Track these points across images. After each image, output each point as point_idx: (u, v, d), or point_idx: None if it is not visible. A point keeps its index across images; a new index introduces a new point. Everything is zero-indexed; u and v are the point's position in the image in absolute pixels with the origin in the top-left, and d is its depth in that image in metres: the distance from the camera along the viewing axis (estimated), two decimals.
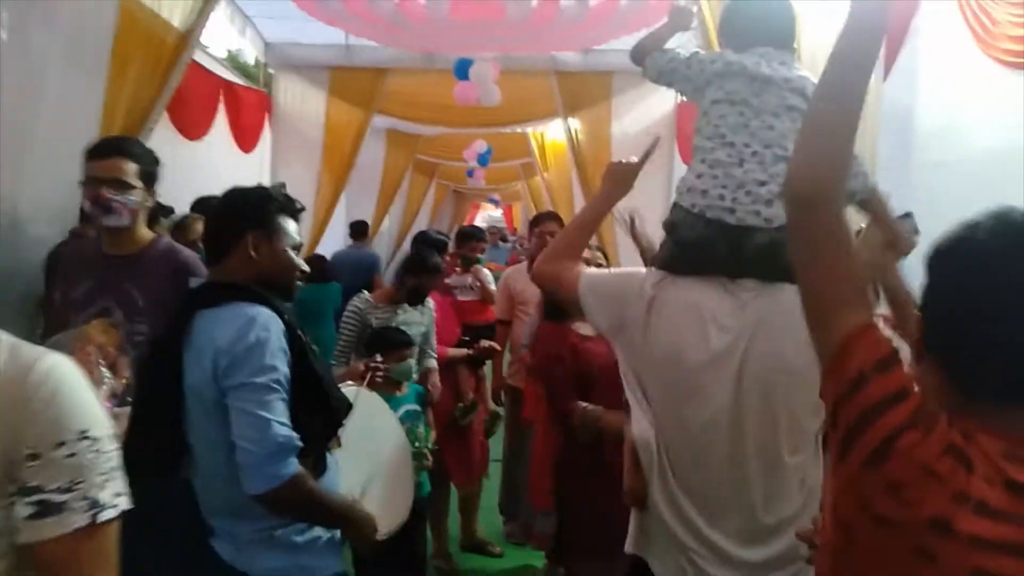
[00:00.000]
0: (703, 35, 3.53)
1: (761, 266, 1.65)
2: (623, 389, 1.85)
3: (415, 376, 2.92)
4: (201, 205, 3.62)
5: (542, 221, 4.07)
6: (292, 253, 1.73)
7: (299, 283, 1.80)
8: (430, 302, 3.35)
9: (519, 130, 9.07)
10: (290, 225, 1.75)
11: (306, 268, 1.78)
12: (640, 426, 1.74)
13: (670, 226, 1.77)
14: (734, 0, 1.94)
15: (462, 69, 5.44)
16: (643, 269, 1.90)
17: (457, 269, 4.33)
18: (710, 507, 1.66)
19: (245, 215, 1.71)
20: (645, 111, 6.69)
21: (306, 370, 1.62)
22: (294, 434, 1.56)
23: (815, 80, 1.63)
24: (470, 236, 4.60)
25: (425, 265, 3.29)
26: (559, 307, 2.63)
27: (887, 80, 3.29)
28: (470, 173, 12.12)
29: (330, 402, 1.68)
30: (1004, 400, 0.90)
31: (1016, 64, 2.82)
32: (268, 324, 1.58)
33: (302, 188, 6.34)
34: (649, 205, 6.65)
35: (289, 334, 1.62)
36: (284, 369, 1.57)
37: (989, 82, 3.00)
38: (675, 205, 1.78)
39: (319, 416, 1.66)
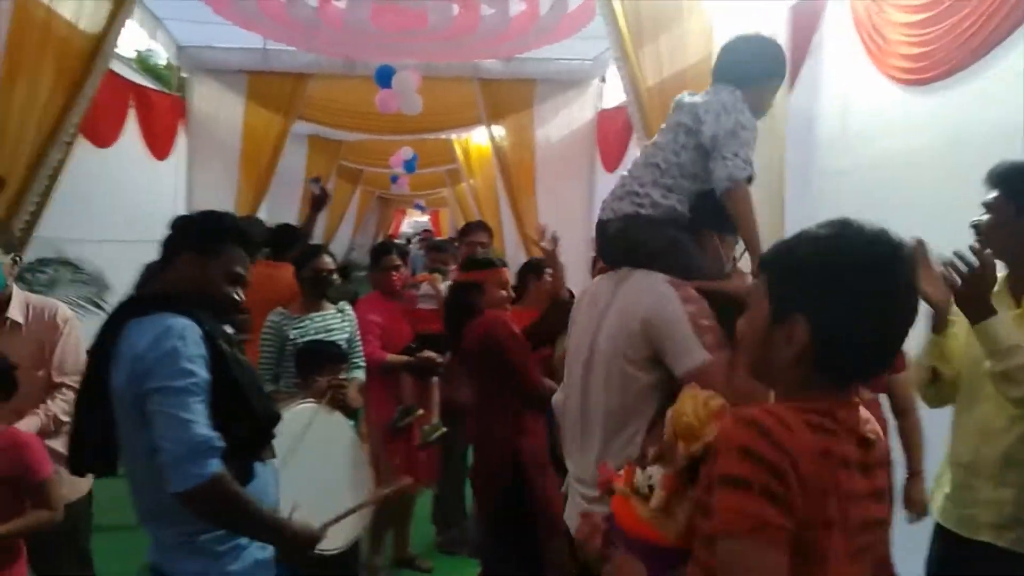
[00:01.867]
0: (615, 35, 3.61)
1: (614, 250, 2.04)
2: None
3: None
4: None
5: (472, 231, 4.11)
6: (224, 281, 1.77)
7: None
8: (347, 307, 3.27)
9: (443, 137, 9.06)
10: (234, 254, 1.79)
11: (238, 299, 1.80)
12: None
13: None
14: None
15: (384, 77, 5.40)
16: None
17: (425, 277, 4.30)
18: (570, 450, 2.03)
19: (186, 234, 1.79)
20: (567, 118, 6.81)
21: (225, 377, 1.64)
22: (215, 434, 1.58)
23: (704, 99, 1.99)
24: (439, 248, 4.68)
25: (308, 254, 3.17)
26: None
27: (792, 91, 3.45)
28: (394, 179, 12.04)
29: (255, 410, 1.69)
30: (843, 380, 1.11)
31: (905, 80, 3.01)
32: (184, 332, 1.61)
33: (220, 196, 6.18)
34: (571, 211, 6.86)
35: (209, 343, 1.64)
36: (203, 374, 1.60)
37: (881, 95, 3.18)
38: None
39: (242, 423, 1.67)
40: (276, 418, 1.78)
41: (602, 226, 2.05)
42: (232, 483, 1.59)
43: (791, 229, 3.74)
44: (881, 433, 1.15)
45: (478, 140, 8.79)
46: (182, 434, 1.54)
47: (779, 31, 3.41)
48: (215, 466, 1.55)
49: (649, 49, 3.59)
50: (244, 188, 6.44)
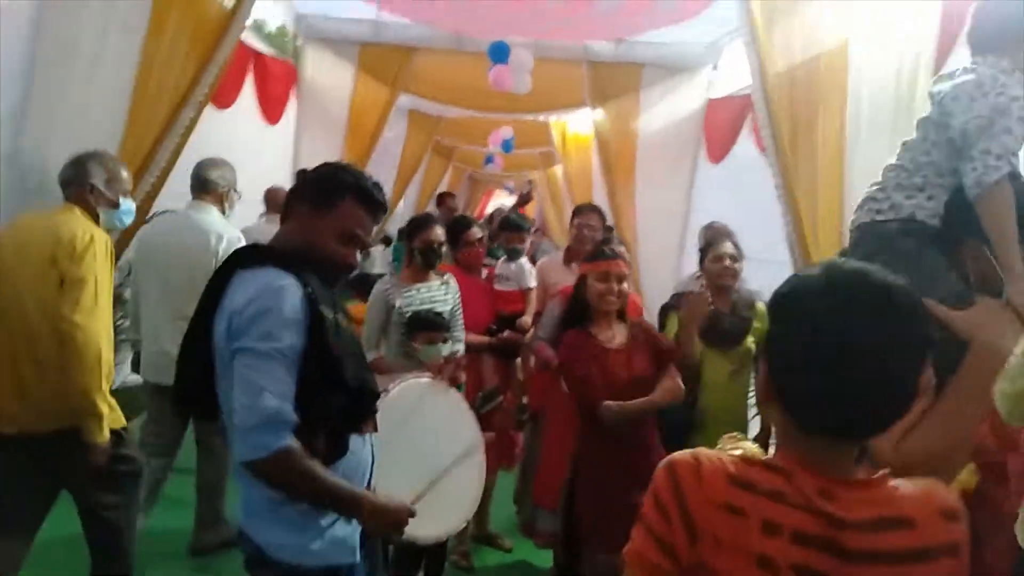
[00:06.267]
0: (744, 13, 3.45)
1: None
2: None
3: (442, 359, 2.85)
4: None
5: (583, 212, 4.01)
6: (335, 239, 1.67)
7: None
8: (452, 279, 3.26)
9: (543, 118, 8.99)
10: (351, 212, 1.68)
11: (355, 263, 1.72)
12: None
13: None
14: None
15: (498, 52, 5.36)
16: None
17: (501, 259, 4.20)
18: None
19: (303, 187, 1.70)
20: (674, 105, 6.62)
21: (322, 346, 1.57)
22: (287, 407, 1.52)
23: (954, 85, 1.72)
24: (515, 226, 4.32)
25: (419, 224, 3.15)
26: (579, 313, 2.63)
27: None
28: (489, 159, 12.03)
29: (347, 382, 1.60)
30: (827, 436, 1.02)
31: None
32: (282, 292, 1.54)
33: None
34: (671, 201, 6.68)
35: (310, 306, 1.57)
36: (293, 340, 1.53)
37: None
38: None
39: (337, 396, 1.59)
40: (373, 392, 1.70)
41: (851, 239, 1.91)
42: (301, 459, 1.52)
43: None
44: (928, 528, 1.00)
45: (576, 125, 8.69)
46: (254, 401, 1.49)
47: (927, 20, 3.19)
48: (283, 439, 1.50)
49: (781, 30, 3.42)
50: (348, 157, 6.55)
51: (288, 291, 1.54)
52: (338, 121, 6.52)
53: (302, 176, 1.73)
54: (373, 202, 1.71)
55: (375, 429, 1.73)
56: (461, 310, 3.24)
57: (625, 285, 2.64)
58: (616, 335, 2.64)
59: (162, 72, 3.28)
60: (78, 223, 2.47)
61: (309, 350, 1.55)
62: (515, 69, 5.29)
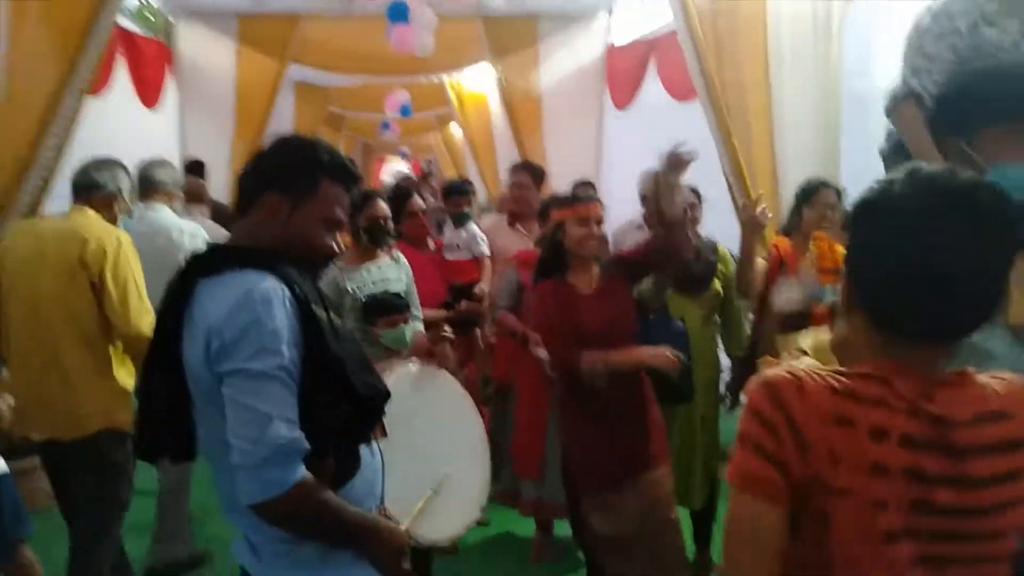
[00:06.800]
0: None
1: None
2: (612, 347, 2.24)
3: (408, 343, 2.68)
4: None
5: (515, 171, 3.89)
6: (321, 227, 1.46)
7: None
8: (402, 256, 3.06)
9: (437, 79, 8.74)
10: (331, 193, 1.47)
11: (339, 250, 1.53)
12: None
13: None
14: None
15: (398, 12, 5.09)
16: None
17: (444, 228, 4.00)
18: None
19: (271, 171, 1.46)
20: (572, 56, 6.55)
21: (322, 353, 1.35)
22: (299, 434, 1.31)
23: None
24: (456, 190, 4.11)
25: (361, 199, 2.84)
26: (555, 263, 2.51)
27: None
28: (386, 125, 11.64)
29: (356, 389, 1.39)
30: (924, 340, 1.02)
31: None
32: (268, 297, 1.31)
33: (215, 147, 5.89)
34: (581, 151, 6.66)
35: (301, 309, 1.35)
36: (291, 352, 1.32)
37: None
38: None
39: (344, 407, 1.38)
40: (384, 395, 1.48)
41: None
42: (316, 490, 1.33)
43: (847, 157, 3.61)
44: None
45: (472, 83, 8.50)
46: (261, 432, 1.26)
47: None
48: (297, 472, 1.30)
49: None
50: (239, 138, 6.15)
51: (274, 295, 1.33)
52: (224, 100, 6.09)
53: (266, 159, 1.48)
54: (351, 178, 1.51)
55: (384, 433, 1.55)
56: (415, 287, 3.05)
57: (604, 227, 2.53)
58: (592, 280, 2.52)
59: (31, 62, 2.93)
60: (101, 227, 2.47)
61: (308, 359, 1.34)
62: (418, 28, 5.05)
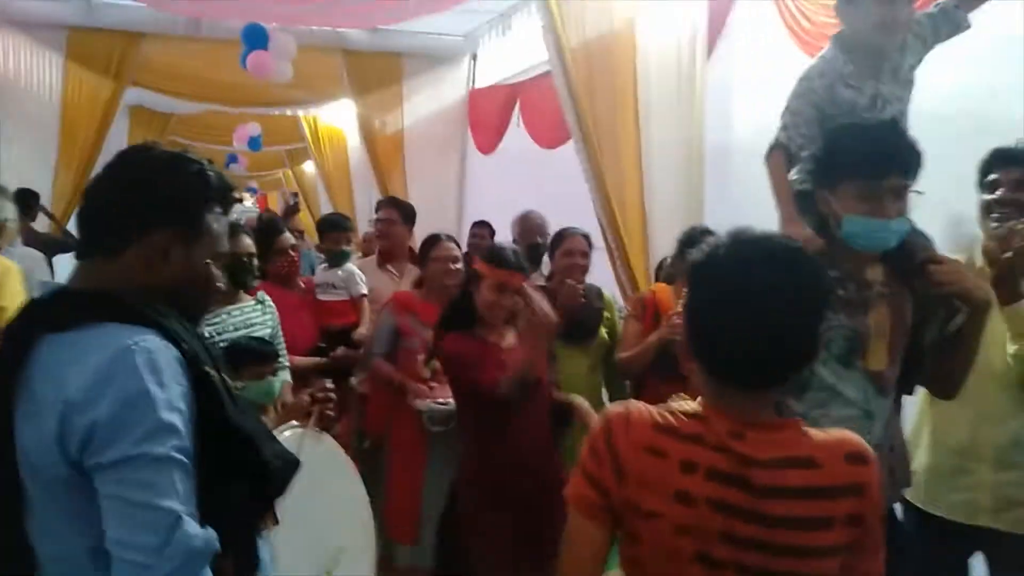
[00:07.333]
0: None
1: None
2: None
3: (275, 397, 2.38)
4: None
5: (382, 207, 3.74)
6: (214, 265, 1.21)
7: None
8: (267, 298, 2.75)
9: (291, 112, 8.38)
10: (220, 224, 1.22)
11: (222, 286, 1.27)
12: None
13: None
14: None
15: (255, 36, 4.77)
16: None
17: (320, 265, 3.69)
18: None
19: (165, 200, 1.15)
20: (438, 97, 6.49)
21: (223, 424, 1.09)
22: (211, 532, 1.04)
23: None
24: (335, 225, 3.80)
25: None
26: (465, 314, 2.33)
27: (710, 64, 3.43)
28: (233, 158, 11.00)
29: (263, 468, 1.13)
30: (743, 386, 1.12)
31: None
32: (155, 358, 1.03)
33: (33, 176, 5.24)
34: (443, 194, 6.58)
35: (192, 372, 1.08)
36: (187, 428, 1.05)
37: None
38: None
39: (244, 490, 1.13)
40: (296, 467, 1.22)
41: None
42: None
43: (710, 208, 3.71)
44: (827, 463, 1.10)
45: (329, 118, 8.22)
46: (164, 537, 0.98)
47: (699, 3, 3.37)
48: None
49: (572, 8, 3.43)
50: (63, 167, 5.50)
51: (159, 355, 1.05)
52: (47, 123, 5.44)
53: (149, 186, 1.16)
54: (232, 201, 1.26)
55: (276, 521, 1.25)
56: (281, 331, 2.74)
57: (518, 299, 2.28)
58: (507, 337, 2.36)
59: None
60: None
61: (204, 433, 1.07)
62: (276, 55, 4.77)
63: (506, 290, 2.29)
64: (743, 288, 1.07)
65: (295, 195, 10.19)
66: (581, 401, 2.46)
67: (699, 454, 1.09)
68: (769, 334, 1.06)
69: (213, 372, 1.12)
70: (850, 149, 1.61)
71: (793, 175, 1.89)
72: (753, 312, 1.06)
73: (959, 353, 1.62)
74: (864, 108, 1.86)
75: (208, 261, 1.20)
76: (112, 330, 1.05)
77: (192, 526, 1.01)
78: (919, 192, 1.58)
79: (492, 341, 2.34)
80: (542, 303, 2.17)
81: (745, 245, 1.12)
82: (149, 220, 1.14)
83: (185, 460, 1.03)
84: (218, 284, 1.24)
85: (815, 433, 1.12)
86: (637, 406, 1.16)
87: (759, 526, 1.06)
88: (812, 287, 1.10)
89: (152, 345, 1.05)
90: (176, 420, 1.03)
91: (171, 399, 1.03)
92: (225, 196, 1.23)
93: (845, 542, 1.08)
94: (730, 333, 1.08)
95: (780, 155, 1.90)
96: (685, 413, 1.14)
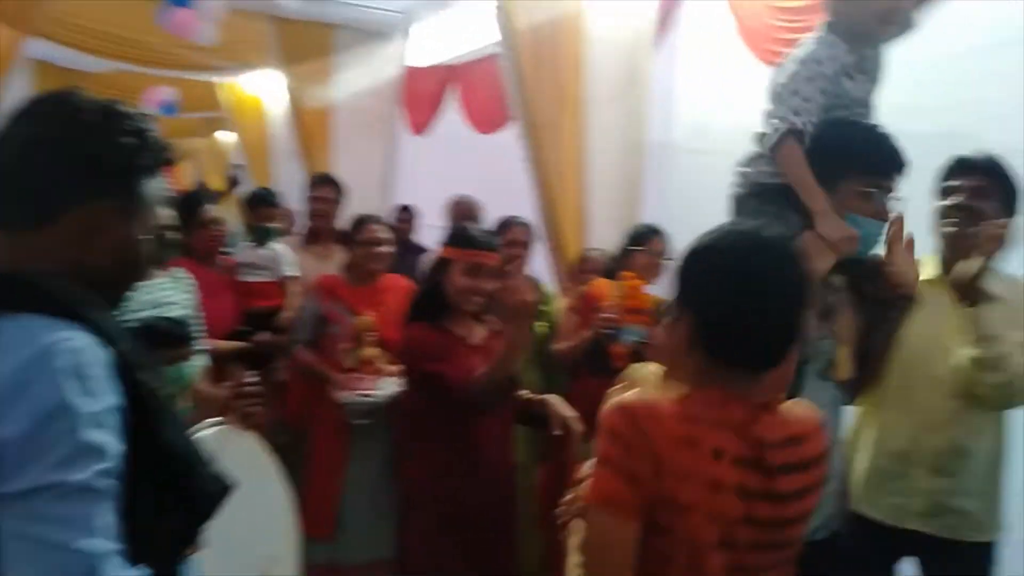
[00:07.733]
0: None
1: None
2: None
3: (188, 383, 2.17)
4: None
5: (316, 185, 3.57)
6: (155, 242, 1.04)
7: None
8: (183, 273, 2.52)
9: (208, 78, 7.95)
10: (155, 190, 1.03)
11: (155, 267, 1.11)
12: None
13: None
14: None
15: None
16: None
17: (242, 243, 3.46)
18: None
19: (100, 166, 0.96)
20: (368, 71, 6.24)
21: (155, 444, 0.93)
22: (144, 572, 0.88)
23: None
24: (264, 200, 3.60)
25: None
26: (432, 306, 2.16)
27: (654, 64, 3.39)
28: None
29: (196, 491, 0.98)
30: (750, 369, 1.17)
31: (772, 62, 3.04)
32: (81, 363, 0.85)
33: None
34: (371, 173, 6.40)
35: (126, 379, 0.91)
36: (115, 445, 0.86)
37: (743, 73, 3.20)
38: None
39: (174, 515, 0.96)
40: (225, 493, 1.04)
41: None
42: None
43: (649, 206, 3.71)
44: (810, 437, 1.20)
45: (250, 87, 7.84)
46: None
47: None
48: None
49: None
50: None
51: (86, 358, 0.86)
52: None
53: (70, 149, 0.94)
54: (166, 163, 1.05)
55: (201, 547, 1.07)
56: (197, 312, 2.52)
57: (496, 283, 2.14)
58: (475, 332, 2.20)
59: None
60: None
61: (135, 452, 0.89)
62: (203, 14, 4.46)
63: (481, 272, 2.13)
64: (751, 277, 1.15)
65: (236, 166, 9.47)
66: (556, 401, 2.16)
67: (725, 440, 1.11)
68: (775, 318, 1.15)
69: (149, 376, 0.95)
70: (861, 147, 1.59)
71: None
72: (764, 298, 1.14)
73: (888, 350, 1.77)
74: (859, 103, 1.82)
75: (144, 237, 1.03)
76: (28, 324, 0.86)
77: (117, 568, 0.84)
78: (899, 198, 1.60)
79: (459, 334, 2.18)
80: (522, 282, 2.05)
81: (742, 238, 1.19)
82: (80, 190, 0.95)
83: (110, 488, 0.86)
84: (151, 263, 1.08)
85: (790, 407, 1.21)
86: (653, 395, 1.17)
87: (773, 504, 1.12)
88: (802, 274, 1.19)
89: (78, 345, 0.86)
90: (102, 439, 0.85)
91: (97, 413, 0.85)
92: (164, 156, 1.05)
93: (814, 505, 1.19)
94: (745, 319, 1.14)
95: (795, 142, 1.75)
96: (695, 400, 1.15)
